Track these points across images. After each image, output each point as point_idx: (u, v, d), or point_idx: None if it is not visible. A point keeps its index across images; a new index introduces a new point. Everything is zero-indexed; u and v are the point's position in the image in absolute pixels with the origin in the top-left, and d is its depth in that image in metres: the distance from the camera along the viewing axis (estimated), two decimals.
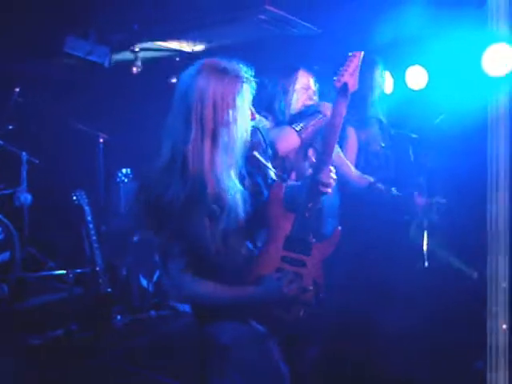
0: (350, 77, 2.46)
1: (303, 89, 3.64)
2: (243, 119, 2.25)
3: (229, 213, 2.22)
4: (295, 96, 3.61)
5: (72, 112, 5.70)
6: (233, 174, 2.24)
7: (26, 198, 5.41)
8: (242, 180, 2.31)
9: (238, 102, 2.22)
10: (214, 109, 2.18)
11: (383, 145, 4.04)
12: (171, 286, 2.34)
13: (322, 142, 2.49)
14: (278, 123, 3.55)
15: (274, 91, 3.65)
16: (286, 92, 3.61)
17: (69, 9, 5.10)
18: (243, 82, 2.25)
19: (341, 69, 2.48)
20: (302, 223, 2.38)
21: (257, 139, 2.46)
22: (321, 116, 3.56)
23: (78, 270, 4.81)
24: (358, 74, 2.50)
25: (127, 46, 5.70)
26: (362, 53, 2.55)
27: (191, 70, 2.24)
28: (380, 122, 4.10)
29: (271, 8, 4.69)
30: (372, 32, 4.88)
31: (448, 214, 5.09)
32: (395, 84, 5.12)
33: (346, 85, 2.44)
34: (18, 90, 5.50)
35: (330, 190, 2.38)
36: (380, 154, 4.02)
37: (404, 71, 4.99)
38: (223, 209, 2.22)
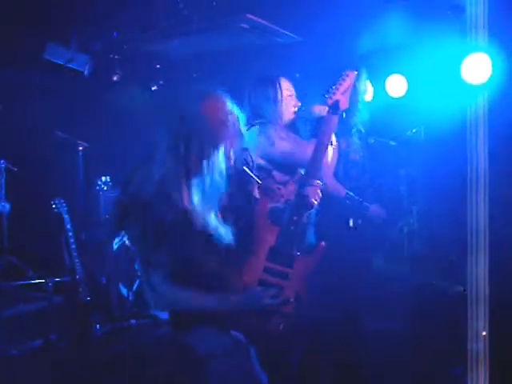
0: (341, 95, 2.53)
1: (289, 96, 3.68)
2: (223, 160, 2.28)
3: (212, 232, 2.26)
4: (284, 105, 3.65)
5: (51, 120, 5.66)
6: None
7: (3, 206, 5.36)
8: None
9: (227, 119, 2.28)
10: (201, 149, 2.23)
11: (362, 154, 4.06)
12: (152, 295, 2.30)
13: (311, 157, 2.53)
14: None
15: (258, 101, 3.69)
16: (275, 101, 3.65)
17: (49, 16, 5.08)
18: (233, 122, 2.31)
19: (333, 87, 2.55)
20: (286, 236, 2.41)
21: (246, 157, 2.50)
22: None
23: (57, 279, 4.75)
24: (349, 93, 2.57)
25: (107, 53, 5.69)
26: (356, 72, 2.62)
27: (188, 101, 2.29)
28: (359, 131, 4.12)
29: (252, 17, 4.71)
30: (353, 41, 4.91)
31: (428, 220, 5.14)
32: (375, 92, 5.15)
33: (337, 103, 2.51)
34: None
35: (314, 204, 2.41)
36: (358, 164, 4.04)
37: (384, 79, 5.03)
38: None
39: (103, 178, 4.90)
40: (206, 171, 2.23)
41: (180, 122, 2.25)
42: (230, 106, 2.31)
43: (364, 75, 4.06)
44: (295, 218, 2.42)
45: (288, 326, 2.37)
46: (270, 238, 2.41)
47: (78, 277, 4.63)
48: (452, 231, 4.83)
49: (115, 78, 5.73)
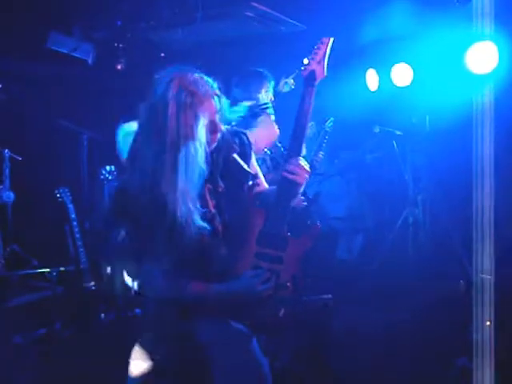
0: (317, 65, 2.41)
1: (266, 93, 3.91)
2: (204, 135, 2.23)
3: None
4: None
5: (56, 109, 5.65)
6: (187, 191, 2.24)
7: (8, 195, 5.35)
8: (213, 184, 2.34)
9: (204, 116, 2.22)
10: (177, 122, 2.18)
11: (268, 152, 4.16)
12: (151, 285, 2.30)
13: (292, 134, 2.45)
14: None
15: (245, 96, 3.82)
16: (257, 98, 3.87)
17: (52, 5, 5.05)
18: (211, 96, 2.25)
19: (308, 57, 2.44)
20: (275, 218, 2.34)
21: (236, 141, 2.46)
22: None
23: (62, 268, 4.77)
24: (326, 61, 2.44)
25: (111, 42, 5.67)
26: (332, 39, 2.49)
27: (162, 79, 2.24)
28: None
29: (257, 5, 4.69)
30: (358, 30, 4.88)
31: (433, 210, 5.13)
32: (381, 81, 5.14)
33: (313, 72, 2.39)
34: (0, 86, 5.44)
35: (299, 179, 2.35)
36: (267, 159, 4.15)
37: (390, 69, 5.01)
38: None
39: (107, 167, 4.89)
40: (185, 145, 2.18)
41: (154, 99, 2.21)
42: (206, 81, 2.25)
43: (270, 81, 4.10)
44: (283, 199, 2.36)
45: (288, 311, 2.33)
46: (258, 222, 2.35)
47: (82, 266, 4.64)
48: (457, 221, 4.82)
49: (119, 67, 5.71)
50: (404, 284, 4.82)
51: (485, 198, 3.05)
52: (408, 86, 5.01)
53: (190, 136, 2.18)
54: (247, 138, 2.53)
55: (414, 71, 4.96)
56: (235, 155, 2.43)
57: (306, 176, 2.37)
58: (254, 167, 2.60)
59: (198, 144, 2.20)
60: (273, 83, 4.18)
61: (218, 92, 2.29)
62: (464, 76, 4.19)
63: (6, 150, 5.36)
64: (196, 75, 2.25)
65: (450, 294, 4.39)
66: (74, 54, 5.54)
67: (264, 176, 4.08)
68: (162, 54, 5.85)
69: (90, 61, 5.69)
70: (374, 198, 6.16)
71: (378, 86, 5.17)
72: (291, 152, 2.37)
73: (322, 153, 4.33)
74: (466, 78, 4.15)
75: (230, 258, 2.33)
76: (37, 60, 5.63)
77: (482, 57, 4.12)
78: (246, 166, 2.47)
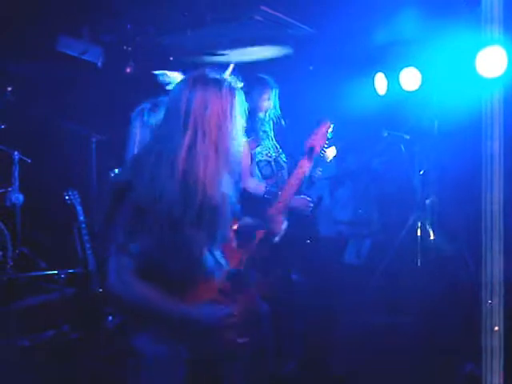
0: (317, 142, 2.78)
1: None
2: (239, 129, 2.29)
3: (205, 220, 2.22)
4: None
5: (65, 111, 5.67)
6: (226, 183, 2.27)
7: (17, 197, 5.37)
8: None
9: (235, 112, 2.26)
10: (217, 118, 2.20)
11: (274, 154, 4.25)
12: (116, 282, 2.20)
13: (281, 193, 2.70)
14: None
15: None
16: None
17: (62, 8, 5.07)
18: (236, 92, 2.29)
19: (312, 133, 2.82)
20: (245, 260, 2.43)
21: None
22: None
23: (70, 270, 4.77)
24: (325, 139, 2.85)
25: (121, 45, 5.69)
26: (331, 125, 2.88)
27: (185, 80, 2.28)
28: (267, 134, 4.29)
29: (266, 9, 4.70)
30: (367, 34, 4.88)
31: (441, 214, 5.12)
32: (389, 85, 5.14)
33: (312, 148, 2.74)
34: (10, 89, 5.47)
35: (277, 235, 2.51)
36: (270, 162, 4.23)
37: (398, 73, 5.01)
38: (203, 216, 2.21)
39: (116, 170, 4.91)
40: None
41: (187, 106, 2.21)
42: (239, 97, 2.29)
43: (273, 88, 4.21)
44: (258, 247, 2.51)
45: (231, 350, 2.36)
46: (233, 261, 2.40)
47: (90, 268, 4.65)
48: (466, 225, 4.81)
49: (128, 70, 5.73)
50: (411, 288, 4.81)
51: (494, 203, 3.04)
52: (416, 90, 5.00)
53: (227, 131, 2.23)
54: None
55: (422, 75, 4.95)
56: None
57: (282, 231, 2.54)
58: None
59: (233, 139, 2.25)
60: (276, 91, 4.20)
61: (240, 87, 2.33)
62: (473, 80, 4.18)
63: (16, 152, 5.38)
64: (216, 72, 2.29)
65: (458, 298, 4.38)
66: (84, 57, 5.57)
67: (268, 179, 4.15)
68: (171, 58, 5.87)
69: (99, 64, 5.71)
70: (381, 201, 6.16)
71: (387, 90, 5.16)
72: (277, 211, 2.54)
73: (320, 169, 4.39)
74: (474, 82, 4.14)
75: (202, 283, 2.30)
76: (46, 63, 5.66)
77: (491, 61, 4.11)
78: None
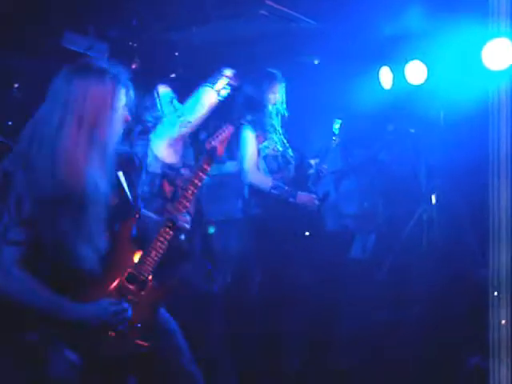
0: (220, 143, 2.79)
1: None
2: (118, 121, 2.30)
3: (88, 209, 2.22)
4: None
5: None
6: (102, 172, 2.26)
7: None
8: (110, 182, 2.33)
9: (116, 103, 2.27)
10: (95, 108, 2.22)
11: (281, 148, 4.25)
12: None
13: (183, 188, 2.71)
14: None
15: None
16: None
17: (68, 4, 5.08)
18: (121, 84, 2.30)
19: (214, 135, 2.84)
20: (144, 261, 2.43)
21: (132, 161, 2.58)
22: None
23: None
24: (226, 143, 2.85)
25: (126, 41, 5.68)
26: (232, 129, 2.92)
27: (69, 68, 2.31)
28: (275, 128, 4.29)
29: (272, 3, 4.69)
30: (372, 27, 4.87)
31: (447, 208, 5.11)
32: (395, 79, 5.12)
33: (214, 148, 2.76)
34: (17, 86, 5.47)
35: (182, 231, 2.53)
36: (278, 157, 4.21)
37: (404, 66, 4.99)
38: (83, 205, 2.21)
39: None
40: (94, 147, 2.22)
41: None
42: (118, 90, 2.29)
43: (281, 81, 4.26)
44: (158, 245, 2.47)
45: (126, 354, 2.33)
46: (129, 261, 2.41)
47: None
48: (472, 218, 4.80)
49: (134, 66, 5.73)
50: (417, 282, 4.81)
51: (501, 196, 3.04)
52: (422, 84, 4.99)
53: (105, 121, 2.24)
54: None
55: (428, 69, 4.93)
56: (120, 173, 2.48)
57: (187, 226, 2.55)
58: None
59: (110, 129, 2.26)
60: (284, 85, 4.21)
61: (128, 84, 2.35)
62: (479, 73, 4.17)
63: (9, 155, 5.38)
64: (103, 62, 2.34)
65: (464, 291, 4.37)
66: (90, 53, 5.57)
67: (275, 174, 4.16)
68: (177, 54, 5.86)
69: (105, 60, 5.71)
70: (387, 195, 6.15)
71: (392, 84, 5.15)
72: (181, 204, 2.58)
73: (325, 165, 4.41)
74: (481, 75, 4.13)
75: (96, 280, 2.29)
76: (53, 59, 5.66)
77: (498, 53, 4.10)
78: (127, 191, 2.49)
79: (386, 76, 5.21)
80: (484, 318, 3.15)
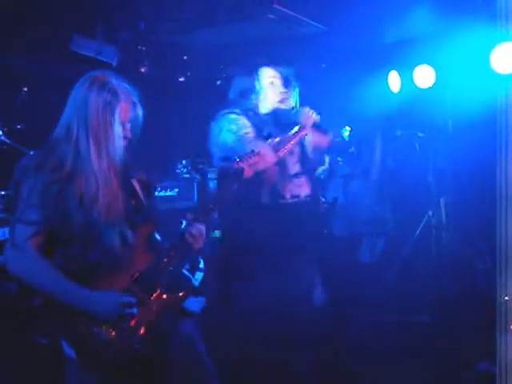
0: (248, 166, 2.71)
1: (271, 85, 3.85)
2: (119, 135, 2.38)
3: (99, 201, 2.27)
4: (263, 94, 3.85)
5: None
6: (112, 172, 2.35)
7: None
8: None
9: (119, 118, 2.37)
10: (100, 119, 2.34)
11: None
12: (12, 253, 2.22)
13: (204, 204, 2.64)
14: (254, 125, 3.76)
15: (243, 88, 3.91)
16: (254, 90, 3.87)
17: (76, 8, 5.10)
18: (128, 101, 2.41)
19: (246, 155, 2.76)
20: (156, 267, 2.39)
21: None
22: (298, 128, 3.74)
23: None
24: (255, 169, 2.80)
25: (135, 45, 5.71)
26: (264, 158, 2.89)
27: (83, 81, 2.47)
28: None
29: (280, 7, 4.70)
30: (380, 31, 4.88)
31: (456, 212, 5.10)
32: (403, 83, 5.12)
33: (242, 169, 2.66)
34: (25, 89, 5.50)
35: (196, 245, 2.45)
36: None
37: (412, 70, 4.99)
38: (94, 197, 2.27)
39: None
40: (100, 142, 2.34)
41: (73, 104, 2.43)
42: (116, 82, 2.41)
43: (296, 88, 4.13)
44: (172, 253, 2.44)
45: (123, 356, 2.29)
46: (141, 264, 2.37)
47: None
48: (480, 223, 4.79)
49: (143, 70, 5.75)
50: (426, 286, 4.80)
51: (509, 201, 3.03)
52: (431, 88, 4.98)
53: (110, 133, 2.34)
54: None
55: (436, 73, 4.93)
56: (134, 181, 2.54)
57: (201, 243, 2.49)
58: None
59: (114, 141, 2.36)
60: (297, 89, 4.18)
61: (136, 101, 2.45)
62: (488, 76, 4.16)
63: (32, 152, 5.41)
64: (114, 78, 2.44)
65: (473, 296, 4.36)
66: (99, 57, 5.59)
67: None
68: (185, 57, 5.88)
69: (114, 63, 5.73)
70: (396, 199, 6.14)
71: (401, 88, 5.14)
72: (200, 216, 2.51)
73: (340, 158, 4.36)
74: (489, 79, 4.12)
75: (108, 273, 2.30)
76: (61, 62, 5.69)
77: (506, 57, 4.09)
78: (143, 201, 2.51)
79: (394, 80, 5.21)
80: (492, 323, 3.14)
